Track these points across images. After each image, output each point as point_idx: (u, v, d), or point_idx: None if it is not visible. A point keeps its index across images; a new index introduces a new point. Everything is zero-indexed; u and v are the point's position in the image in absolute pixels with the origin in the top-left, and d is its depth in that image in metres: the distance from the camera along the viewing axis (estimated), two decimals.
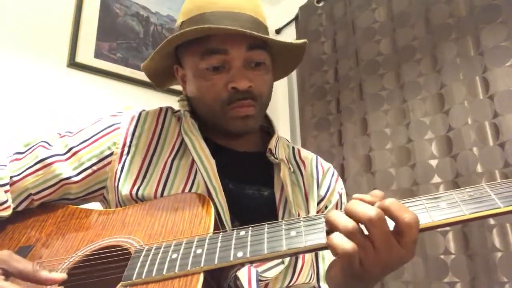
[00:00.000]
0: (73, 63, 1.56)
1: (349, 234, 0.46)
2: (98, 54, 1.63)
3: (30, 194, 0.70)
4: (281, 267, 0.64)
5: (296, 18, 2.13)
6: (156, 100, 1.71)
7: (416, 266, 1.38)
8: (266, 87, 0.75)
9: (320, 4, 2.00)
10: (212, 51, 0.70)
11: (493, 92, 1.24)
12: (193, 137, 0.73)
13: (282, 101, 2.15)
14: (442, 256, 1.31)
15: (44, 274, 0.53)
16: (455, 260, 1.29)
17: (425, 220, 0.47)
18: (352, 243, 0.46)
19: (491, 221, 1.19)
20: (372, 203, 0.48)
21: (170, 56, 0.78)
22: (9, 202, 0.68)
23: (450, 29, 1.41)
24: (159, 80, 0.84)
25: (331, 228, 0.48)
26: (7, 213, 0.68)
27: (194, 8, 0.72)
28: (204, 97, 0.72)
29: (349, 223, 0.46)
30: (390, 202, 0.47)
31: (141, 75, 1.69)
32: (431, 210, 0.47)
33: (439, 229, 1.33)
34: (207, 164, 0.69)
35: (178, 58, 0.78)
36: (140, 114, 0.78)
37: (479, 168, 1.24)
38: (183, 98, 0.80)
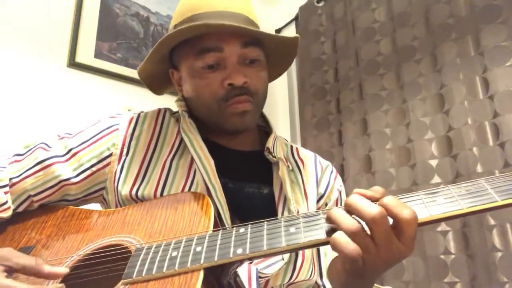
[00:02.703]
0: (73, 63, 1.56)
1: (352, 235, 0.45)
2: (98, 54, 1.63)
3: (30, 196, 0.70)
4: (281, 263, 0.64)
5: (296, 18, 2.13)
6: (156, 100, 1.70)
7: (416, 266, 1.38)
8: (262, 83, 0.75)
9: (320, 4, 2.01)
10: (207, 49, 0.70)
11: (493, 92, 1.24)
12: (191, 136, 0.73)
13: (282, 101, 2.15)
14: (442, 256, 1.31)
15: (47, 267, 0.53)
16: (455, 260, 1.29)
17: (423, 215, 0.47)
18: (355, 244, 0.45)
19: (491, 221, 1.19)
20: (373, 199, 0.48)
21: (165, 60, 0.78)
22: (9, 204, 0.68)
23: (450, 29, 1.41)
24: (156, 85, 0.85)
25: (333, 226, 0.48)
26: (7, 214, 0.68)
27: (187, 10, 0.73)
28: (201, 96, 0.72)
29: (352, 224, 0.46)
30: (388, 199, 0.47)
31: None
32: (429, 205, 0.47)
33: (438, 229, 1.33)
34: (206, 163, 0.69)
35: (173, 62, 0.78)
36: (138, 115, 0.79)
37: (479, 168, 1.24)
38: (180, 99, 0.80)
